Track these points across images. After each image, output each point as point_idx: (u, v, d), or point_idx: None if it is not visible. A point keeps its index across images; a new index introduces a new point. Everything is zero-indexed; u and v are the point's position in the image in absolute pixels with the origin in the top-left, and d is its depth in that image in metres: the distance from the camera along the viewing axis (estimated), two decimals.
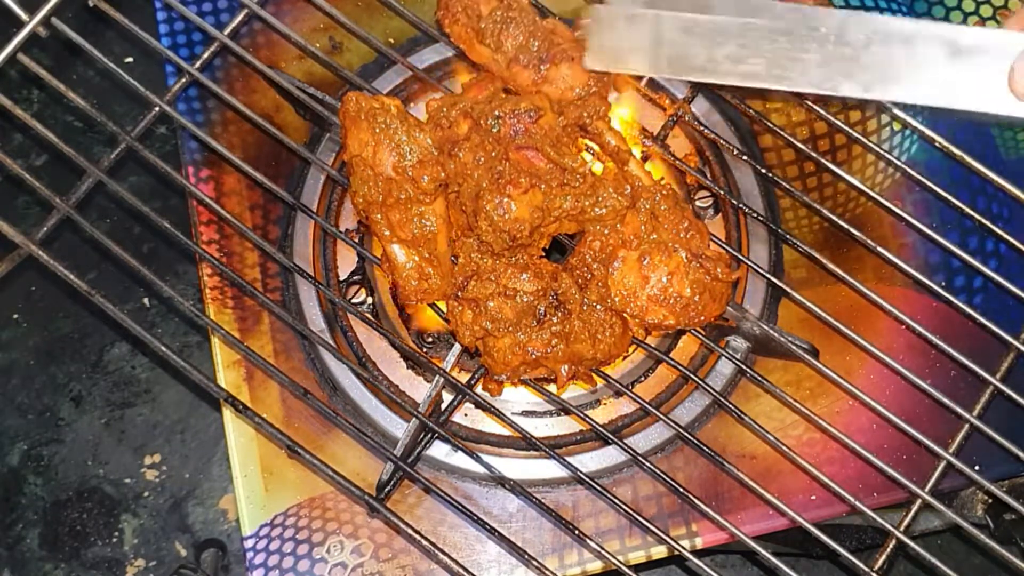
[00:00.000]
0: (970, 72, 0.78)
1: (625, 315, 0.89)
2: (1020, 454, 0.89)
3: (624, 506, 0.88)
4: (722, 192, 1.01)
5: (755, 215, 1.00)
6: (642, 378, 1.10)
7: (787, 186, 0.98)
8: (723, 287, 0.89)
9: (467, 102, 0.91)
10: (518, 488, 0.91)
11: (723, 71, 0.85)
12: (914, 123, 0.98)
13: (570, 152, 0.88)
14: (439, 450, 1.03)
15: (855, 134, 0.98)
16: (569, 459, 0.92)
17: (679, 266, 0.87)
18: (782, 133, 0.99)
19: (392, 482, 0.95)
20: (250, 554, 1.00)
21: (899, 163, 0.97)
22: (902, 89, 0.81)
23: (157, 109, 0.96)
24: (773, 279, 0.96)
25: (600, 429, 0.91)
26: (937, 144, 0.98)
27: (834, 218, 0.96)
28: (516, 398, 1.07)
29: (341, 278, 1.11)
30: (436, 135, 0.89)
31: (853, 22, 0.81)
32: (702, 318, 0.88)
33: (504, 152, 0.87)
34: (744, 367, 0.95)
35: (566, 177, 0.86)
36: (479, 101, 0.91)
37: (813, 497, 1.02)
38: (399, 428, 1.04)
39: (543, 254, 0.92)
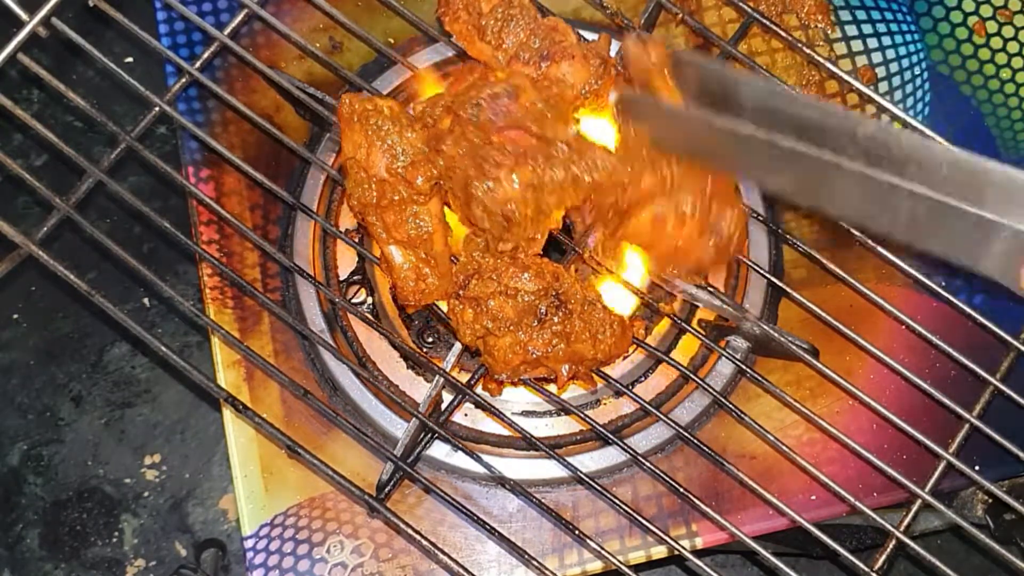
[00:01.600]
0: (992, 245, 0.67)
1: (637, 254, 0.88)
2: (1020, 454, 0.89)
3: (624, 506, 0.88)
4: None
5: (755, 215, 1.01)
6: (642, 378, 1.10)
7: None
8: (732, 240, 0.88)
9: (448, 97, 0.90)
10: (518, 488, 0.91)
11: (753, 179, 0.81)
12: (914, 123, 0.98)
13: (554, 125, 0.87)
14: (439, 450, 1.03)
15: None
16: (569, 459, 0.92)
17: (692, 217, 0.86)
18: None
19: (392, 482, 0.95)
20: (250, 554, 1.00)
21: None
22: (935, 241, 0.70)
23: (157, 109, 0.96)
24: (773, 279, 0.96)
25: (600, 429, 0.91)
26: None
27: None
28: (516, 398, 1.07)
29: (341, 278, 1.11)
30: (423, 135, 0.89)
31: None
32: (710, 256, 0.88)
33: (487, 137, 0.86)
34: (744, 367, 0.95)
35: (553, 150, 0.85)
36: (458, 93, 0.90)
37: (813, 497, 1.02)
38: (399, 428, 1.04)
39: (541, 253, 0.92)
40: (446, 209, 0.92)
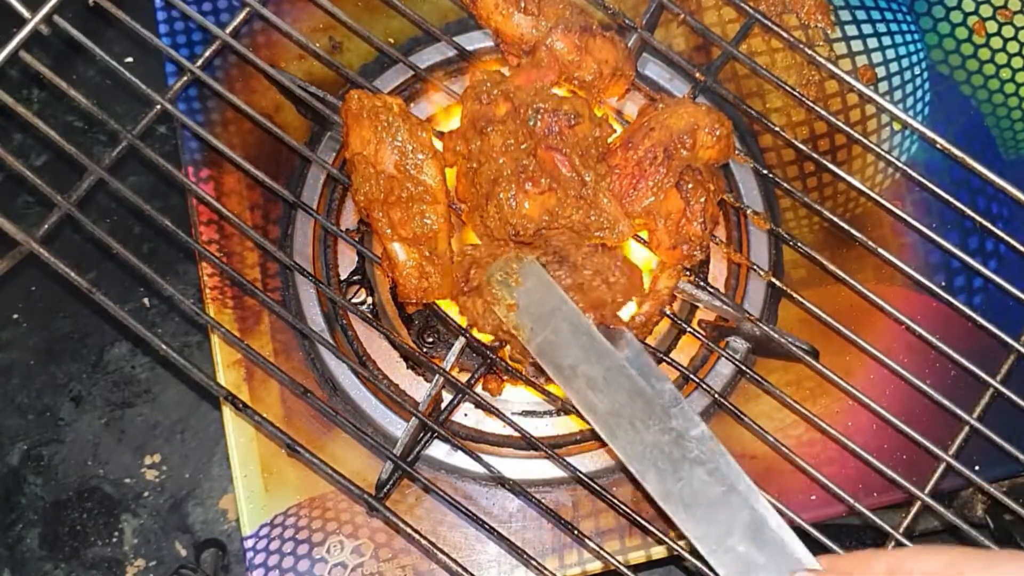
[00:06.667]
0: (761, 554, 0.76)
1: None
2: (1020, 456, 0.89)
3: (624, 506, 0.88)
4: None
5: (755, 215, 1.01)
6: None
7: (787, 186, 0.98)
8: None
9: (512, 86, 0.91)
10: (518, 488, 0.91)
11: (572, 390, 0.84)
12: (914, 123, 0.98)
13: (591, 165, 0.89)
14: (439, 450, 1.03)
15: (855, 134, 0.98)
16: (569, 459, 0.92)
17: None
18: (782, 133, 0.99)
19: (391, 481, 0.95)
20: (250, 554, 1.00)
21: (899, 163, 0.97)
22: (699, 528, 0.80)
23: (158, 108, 0.96)
24: (773, 279, 0.96)
25: None
26: (938, 144, 0.98)
27: (834, 218, 0.96)
28: (516, 398, 1.07)
29: (341, 278, 1.11)
30: (472, 107, 0.89)
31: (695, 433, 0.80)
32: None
33: (533, 147, 0.87)
34: (744, 367, 0.95)
35: (583, 190, 0.87)
36: (524, 89, 0.91)
37: (813, 497, 1.02)
38: (399, 428, 1.03)
39: None
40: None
